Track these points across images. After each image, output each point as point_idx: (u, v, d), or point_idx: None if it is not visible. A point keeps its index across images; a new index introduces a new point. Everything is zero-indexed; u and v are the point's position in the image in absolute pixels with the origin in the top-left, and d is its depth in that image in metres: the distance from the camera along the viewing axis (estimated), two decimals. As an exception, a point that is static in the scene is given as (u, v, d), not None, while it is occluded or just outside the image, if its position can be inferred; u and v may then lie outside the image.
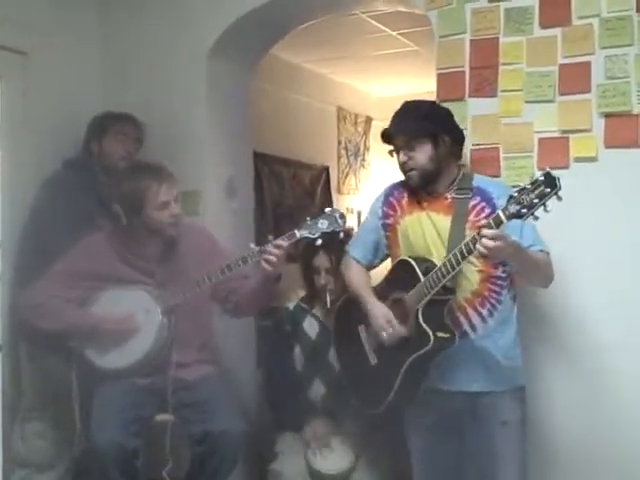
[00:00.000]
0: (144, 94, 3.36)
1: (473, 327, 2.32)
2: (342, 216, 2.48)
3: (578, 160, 2.59)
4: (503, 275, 2.35)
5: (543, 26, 2.66)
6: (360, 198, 6.01)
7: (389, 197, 2.51)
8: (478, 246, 2.06)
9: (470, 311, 2.33)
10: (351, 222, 5.44)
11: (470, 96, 2.75)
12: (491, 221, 2.07)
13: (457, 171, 2.42)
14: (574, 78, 2.59)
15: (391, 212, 2.49)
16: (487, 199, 2.34)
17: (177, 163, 2.74)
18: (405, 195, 2.47)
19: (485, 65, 2.73)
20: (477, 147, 2.73)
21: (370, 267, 2.56)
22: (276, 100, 4.88)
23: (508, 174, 2.66)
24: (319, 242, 2.46)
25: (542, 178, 1.99)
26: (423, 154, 2.34)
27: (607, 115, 2.55)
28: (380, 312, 2.36)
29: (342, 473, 2.77)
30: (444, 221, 2.34)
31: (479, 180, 2.41)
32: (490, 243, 2.03)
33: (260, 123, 4.04)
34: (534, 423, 2.49)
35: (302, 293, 3.02)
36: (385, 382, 2.34)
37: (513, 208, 2.02)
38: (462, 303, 2.32)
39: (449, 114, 2.45)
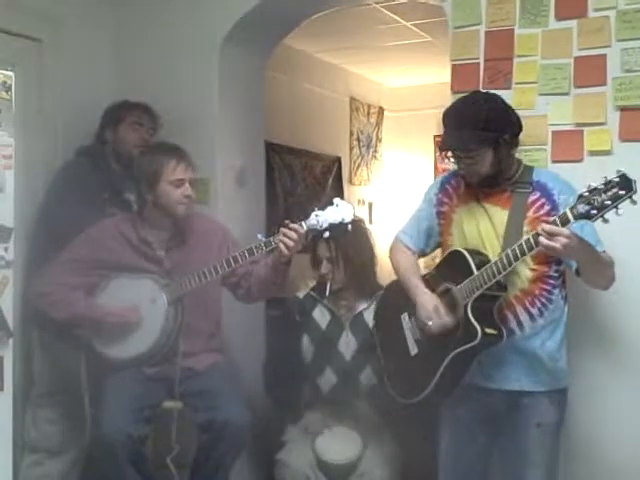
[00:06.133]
0: (157, 83, 3.37)
1: (521, 326, 2.27)
2: (350, 207, 2.46)
3: (592, 154, 2.57)
4: (555, 274, 2.28)
5: (559, 18, 2.63)
6: (371, 189, 5.99)
7: (445, 184, 2.44)
8: (544, 240, 1.99)
9: (519, 309, 2.26)
10: (362, 213, 5.45)
11: (484, 88, 2.72)
12: (557, 219, 2.01)
13: (517, 165, 2.33)
14: (589, 71, 2.57)
15: (447, 200, 2.42)
16: (547, 195, 2.26)
17: (189, 151, 2.74)
18: (462, 185, 2.39)
19: (500, 57, 2.71)
20: (491, 139, 2.71)
21: (421, 255, 2.49)
22: (289, 90, 4.87)
23: (521, 167, 2.65)
24: (327, 234, 2.45)
25: (617, 179, 1.93)
26: (484, 162, 2.24)
27: (622, 108, 2.53)
28: (428, 300, 2.30)
29: (349, 462, 2.77)
30: (501, 215, 2.28)
31: (539, 174, 2.33)
32: (558, 243, 1.97)
33: (272, 113, 4.03)
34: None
35: (312, 284, 3.03)
36: (424, 374, 2.30)
37: (582, 208, 1.95)
38: (511, 301, 2.25)
39: (505, 106, 2.32)
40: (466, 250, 2.27)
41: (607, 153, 2.55)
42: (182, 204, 2.65)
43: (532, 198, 2.28)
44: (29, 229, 3.00)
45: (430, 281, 2.38)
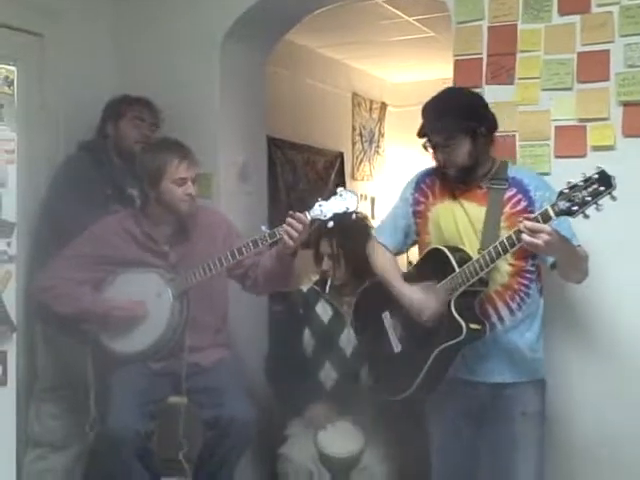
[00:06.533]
0: (159, 78, 3.36)
1: (501, 320, 2.30)
2: (355, 196, 2.45)
3: (595, 149, 2.57)
4: (532, 268, 2.31)
5: (562, 13, 2.63)
6: (374, 185, 6.00)
7: (420, 183, 2.45)
8: (526, 237, 2.02)
9: (500, 304, 2.29)
10: (365, 209, 5.45)
11: (487, 83, 2.73)
12: (539, 216, 2.03)
13: (492, 161, 2.35)
14: (593, 66, 2.57)
15: (422, 199, 2.43)
16: (524, 191, 2.29)
17: (191, 146, 2.74)
18: (437, 182, 2.41)
19: (503, 52, 2.71)
20: (493, 135, 2.71)
21: (398, 253, 2.51)
22: (291, 85, 4.87)
23: (524, 162, 2.64)
24: (331, 224, 2.45)
25: (596, 176, 1.95)
26: (461, 151, 2.27)
27: (625, 104, 2.52)
28: (414, 295, 2.30)
29: (351, 456, 2.77)
30: (478, 211, 2.30)
31: (514, 170, 2.36)
32: (540, 239, 2.00)
33: (274, 108, 4.03)
34: (556, 417, 2.48)
35: (315, 278, 3.04)
36: (409, 370, 2.32)
37: (563, 205, 1.98)
38: (492, 295, 2.28)
39: (482, 101, 2.38)
40: (446, 247, 2.29)
41: (610, 148, 2.55)
42: (184, 202, 2.65)
43: (508, 194, 2.30)
44: (32, 224, 3.01)
45: (410, 279, 2.39)
